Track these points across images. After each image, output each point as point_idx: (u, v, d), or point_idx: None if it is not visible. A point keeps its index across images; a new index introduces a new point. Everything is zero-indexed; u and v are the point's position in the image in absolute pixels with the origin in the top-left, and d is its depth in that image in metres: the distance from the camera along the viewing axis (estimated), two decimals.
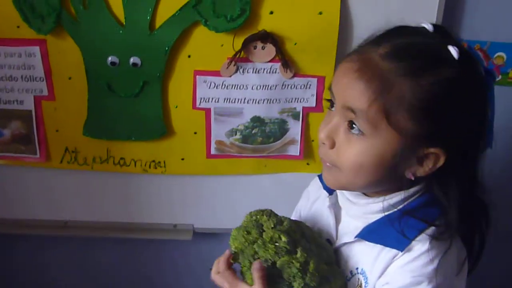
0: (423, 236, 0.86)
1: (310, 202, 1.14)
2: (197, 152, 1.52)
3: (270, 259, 0.90)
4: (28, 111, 1.46)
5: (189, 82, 1.43)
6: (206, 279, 1.84)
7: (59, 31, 1.36)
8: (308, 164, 1.57)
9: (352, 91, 0.82)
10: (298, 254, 0.90)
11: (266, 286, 0.88)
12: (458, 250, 0.89)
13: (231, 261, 0.96)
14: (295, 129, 1.50)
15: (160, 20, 1.35)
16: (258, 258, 0.91)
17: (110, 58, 1.38)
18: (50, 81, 1.43)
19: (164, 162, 1.54)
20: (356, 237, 0.93)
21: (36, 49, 1.39)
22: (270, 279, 0.89)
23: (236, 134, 1.49)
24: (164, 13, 1.34)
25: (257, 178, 1.60)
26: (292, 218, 1.05)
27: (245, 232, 0.94)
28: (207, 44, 1.38)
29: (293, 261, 0.89)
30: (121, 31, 1.35)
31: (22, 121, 1.48)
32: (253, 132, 1.49)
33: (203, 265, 1.82)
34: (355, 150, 0.84)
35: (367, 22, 1.38)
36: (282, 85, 1.43)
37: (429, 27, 0.85)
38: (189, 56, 1.40)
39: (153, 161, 1.54)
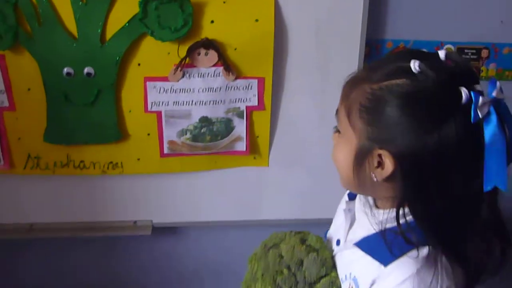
0: (406, 258, 0.85)
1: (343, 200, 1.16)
2: (151, 152, 1.64)
3: None
4: None
5: (140, 88, 1.54)
6: (170, 271, 1.96)
7: (16, 46, 1.45)
8: (254, 158, 1.70)
9: (340, 99, 0.92)
10: None
11: None
12: (442, 278, 0.85)
13: None
14: (240, 127, 1.63)
15: (110, 33, 1.46)
16: None
17: (65, 70, 1.48)
18: (10, 93, 1.51)
19: (121, 163, 1.65)
20: (354, 244, 0.96)
21: None
22: None
23: (186, 134, 1.61)
24: (113, 26, 1.46)
25: (209, 173, 1.71)
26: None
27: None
28: (155, 53, 1.50)
29: None
30: (74, 44, 1.46)
31: None
32: (201, 131, 1.61)
33: (165, 258, 1.94)
34: (336, 148, 0.94)
35: (300, 26, 1.54)
36: (226, 87, 1.56)
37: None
38: (139, 65, 1.52)
39: (111, 162, 1.64)
